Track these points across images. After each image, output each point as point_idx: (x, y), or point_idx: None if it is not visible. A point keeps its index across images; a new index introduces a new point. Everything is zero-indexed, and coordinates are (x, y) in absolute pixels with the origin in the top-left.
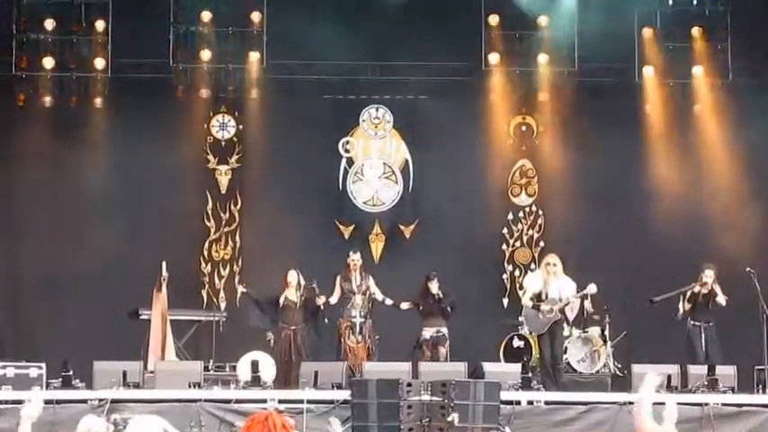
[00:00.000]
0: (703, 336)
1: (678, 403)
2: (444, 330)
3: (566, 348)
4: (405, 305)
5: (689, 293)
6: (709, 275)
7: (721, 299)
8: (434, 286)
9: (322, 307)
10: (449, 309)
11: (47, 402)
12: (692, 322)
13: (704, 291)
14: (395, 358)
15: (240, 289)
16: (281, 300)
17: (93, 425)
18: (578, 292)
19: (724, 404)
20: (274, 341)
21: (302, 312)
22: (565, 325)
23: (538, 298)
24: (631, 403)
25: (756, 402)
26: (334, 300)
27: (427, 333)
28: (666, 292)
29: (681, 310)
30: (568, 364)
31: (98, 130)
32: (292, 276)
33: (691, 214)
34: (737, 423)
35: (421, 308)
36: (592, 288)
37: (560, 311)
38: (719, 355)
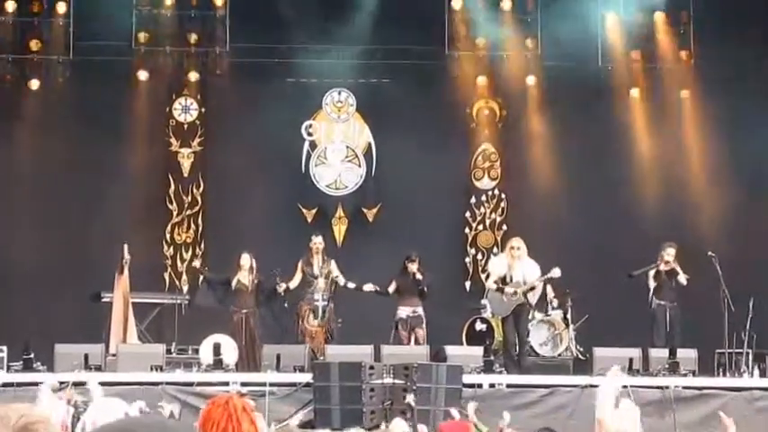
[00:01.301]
0: (668, 315)
1: (640, 386)
2: (420, 311)
3: (528, 332)
4: (367, 287)
5: (653, 272)
6: (670, 254)
7: (682, 278)
8: (414, 266)
9: (282, 293)
10: (426, 289)
11: (6, 385)
12: (657, 301)
13: (666, 269)
14: (360, 342)
15: (195, 263)
16: (234, 283)
17: (55, 409)
18: (542, 275)
19: (685, 387)
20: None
21: (254, 296)
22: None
23: (502, 281)
24: (594, 386)
25: (717, 385)
26: (293, 284)
27: (403, 313)
28: (635, 271)
29: (651, 291)
30: (531, 347)
31: (59, 112)
32: (245, 260)
33: (656, 198)
34: (698, 406)
35: (398, 288)
36: (556, 272)
37: (524, 294)
38: (680, 337)
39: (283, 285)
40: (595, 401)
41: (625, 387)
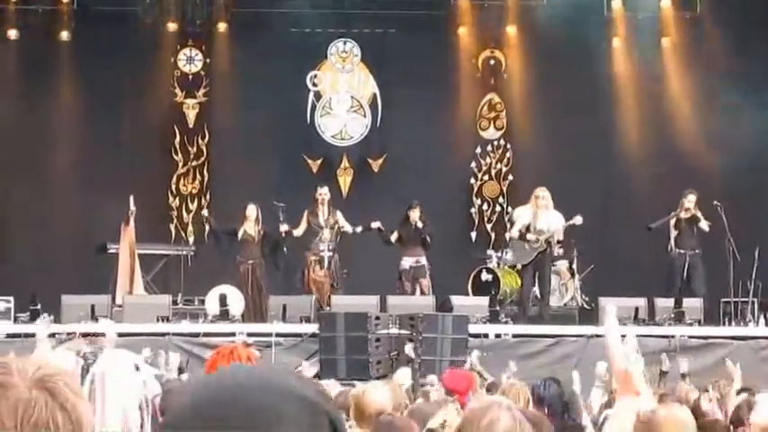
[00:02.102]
0: (687, 263)
1: (645, 335)
2: (424, 261)
3: (550, 282)
4: (375, 224)
5: (674, 221)
6: (690, 200)
7: (704, 224)
8: (415, 215)
9: (284, 234)
10: (428, 238)
11: (13, 336)
12: (677, 250)
13: (686, 216)
14: (366, 292)
15: (203, 213)
16: (240, 234)
17: (63, 360)
18: (565, 222)
19: (691, 336)
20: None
21: (260, 247)
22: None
23: (527, 230)
24: (599, 336)
25: (722, 334)
26: (298, 233)
27: (406, 263)
28: (638, 235)
29: (672, 244)
30: (536, 296)
31: (64, 63)
32: (251, 210)
33: (661, 147)
34: (704, 355)
35: (401, 237)
36: (578, 219)
37: (546, 242)
38: (701, 284)
39: (286, 226)
40: (607, 352)
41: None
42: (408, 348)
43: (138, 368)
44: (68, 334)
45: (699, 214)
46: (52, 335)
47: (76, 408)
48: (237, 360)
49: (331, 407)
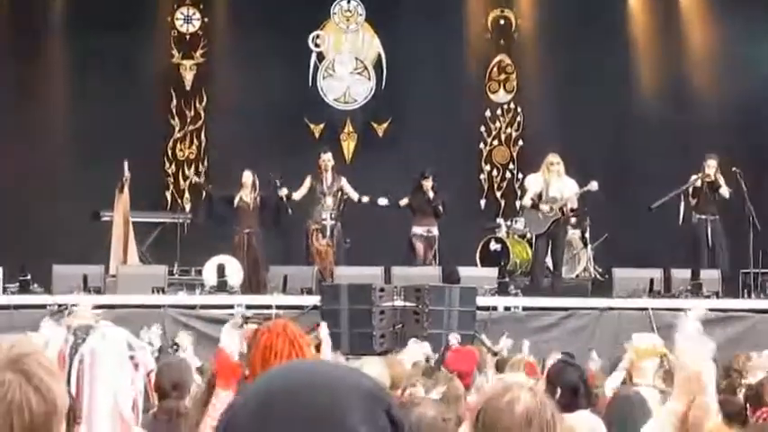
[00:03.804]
0: (709, 229)
1: (661, 309)
2: (435, 231)
3: (563, 253)
4: (383, 201)
5: (691, 189)
6: (711, 165)
7: (724, 190)
8: (428, 184)
9: (284, 199)
10: (441, 208)
11: (3, 308)
12: (697, 216)
13: (707, 180)
14: (370, 263)
15: (197, 179)
16: (236, 201)
17: (53, 336)
18: (579, 189)
19: (709, 309)
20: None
21: (257, 215)
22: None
23: (539, 198)
24: (612, 309)
25: (742, 307)
26: (298, 196)
27: (418, 230)
28: (658, 196)
29: (681, 215)
30: (548, 268)
31: (55, 23)
32: (247, 177)
33: (680, 110)
34: (722, 329)
35: (411, 205)
36: (593, 185)
37: (560, 210)
38: (725, 251)
39: (285, 190)
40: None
41: (644, 310)
42: (453, 338)
43: (131, 346)
44: (60, 306)
45: (720, 180)
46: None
47: (51, 389)
48: (293, 337)
49: (387, 395)
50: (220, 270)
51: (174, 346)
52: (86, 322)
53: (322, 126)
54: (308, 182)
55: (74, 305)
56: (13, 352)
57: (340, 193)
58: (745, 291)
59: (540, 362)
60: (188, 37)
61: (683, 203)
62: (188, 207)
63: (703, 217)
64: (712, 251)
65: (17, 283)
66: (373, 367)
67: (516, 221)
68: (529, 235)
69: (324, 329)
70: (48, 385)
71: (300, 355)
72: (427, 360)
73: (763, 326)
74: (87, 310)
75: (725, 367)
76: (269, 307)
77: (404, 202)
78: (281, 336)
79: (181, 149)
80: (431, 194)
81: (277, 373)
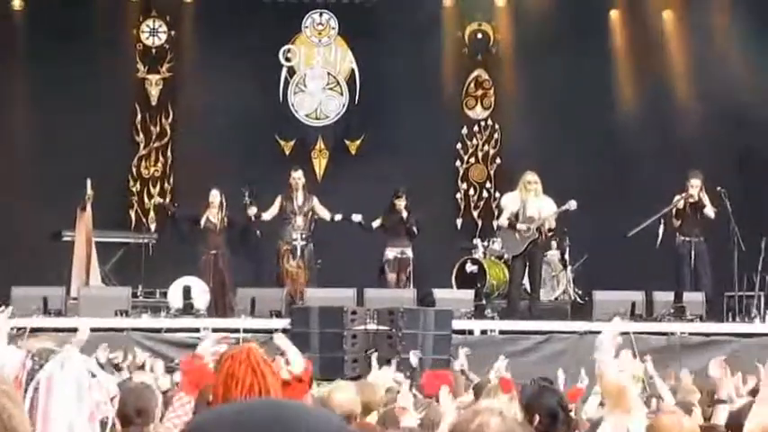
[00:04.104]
0: (693, 251)
1: (643, 332)
2: (409, 252)
3: (541, 275)
4: (356, 217)
5: (674, 210)
6: (695, 184)
7: (709, 210)
8: (401, 203)
9: (252, 218)
10: (414, 228)
11: None
12: (681, 238)
13: (691, 200)
14: (342, 284)
15: (161, 201)
16: (203, 221)
17: (10, 359)
18: (558, 208)
19: (692, 333)
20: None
21: (224, 236)
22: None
23: (516, 218)
24: (593, 332)
25: (726, 331)
26: (268, 216)
27: (391, 254)
28: (640, 215)
29: (660, 237)
30: (525, 290)
31: (16, 34)
32: (214, 196)
33: (662, 127)
34: (705, 353)
35: (384, 226)
36: (572, 204)
37: (538, 230)
38: (708, 276)
39: (254, 209)
40: (595, 353)
41: (626, 334)
42: (413, 357)
43: (93, 374)
44: (19, 330)
45: (705, 199)
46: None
47: (12, 418)
48: (256, 364)
49: None
50: (186, 292)
51: (115, 367)
52: (47, 346)
53: (293, 143)
54: (278, 202)
55: (33, 328)
56: None
57: (311, 212)
58: (730, 314)
59: (517, 386)
60: (154, 50)
61: (661, 226)
62: (153, 227)
63: (687, 239)
64: (695, 274)
65: None
66: (344, 393)
67: (493, 242)
68: (506, 256)
69: (279, 338)
70: (10, 414)
71: (262, 384)
72: (398, 384)
73: (747, 350)
74: (85, 334)
75: (709, 392)
76: (236, 330)
77: (377, 223)
78: (244, 363)
79: (146, 167)
80: (404, 214)
81: (235, 418)
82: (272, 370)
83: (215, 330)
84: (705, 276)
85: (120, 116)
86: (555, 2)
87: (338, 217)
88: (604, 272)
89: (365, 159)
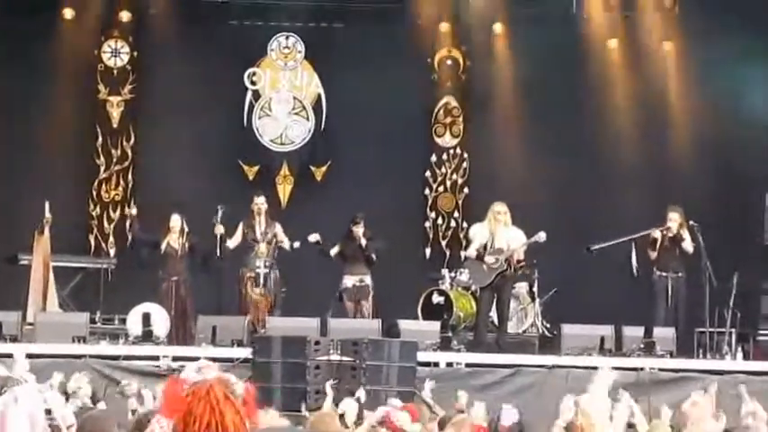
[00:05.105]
0: (670, 287)
1: (612, 368)
2: (368, 280)
3: (509, 307)
4: (312, 237)
5: (651, 241)
6: (674, 219)
7: (688, 245)
8: (359, 230)
9: (219, 237)
10: (373, 256)
11: None
12: (658, 273)
13: (669, 235)
14: (305, 314)
15: (130, 212)
16: (163, 246)
17: None
18: (526, 240)
19: (662, 369)
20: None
21: (185, 262)
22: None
23: (484, 249)
24: (561, 366)
25: (696, 368)
26: (231, 245)
27: (349, 282)
28: (608, 255)
29: (634, 265)
30: (492, 322)
31: None
32: (175, 221)
33: (639, 157)
34: (675, 390)
35: (343, 253)
36: (541, 236)
37: (506, 262)
38: (685, 313)
39: (222, 228)
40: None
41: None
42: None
43: (46, 402)
44: None
45: (684, 234)
46: None
47: None
48: (215, 402)
49: None
50: (146, 319)
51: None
52: (4, 374)
53: (257, 168)
54: (240, 229)
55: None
56: None
57: (274, 239)
58: (701, 350)
59: (489, 422)
60: (115, 71)
61: (634, 255)
62: (112, 251)
63: (664, 274)
64: (674, 310)
65: None
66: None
67: (461, 273)
68: (474, 287)
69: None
70: None
71: (221, 423)
72: (359, 417)
73: (722, 386)
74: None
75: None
76: (197, 359)
77: (335, 251)
78: (203, 400)
79: (106, 190)
80: (362, 241)
81: None
82: (235, 408)
83: (175, 359)
84: (681, 312)
85: (80, 138)
86: (526, 25)
87: (297, 244)
88: (573, 305)
89: (331, 186)
